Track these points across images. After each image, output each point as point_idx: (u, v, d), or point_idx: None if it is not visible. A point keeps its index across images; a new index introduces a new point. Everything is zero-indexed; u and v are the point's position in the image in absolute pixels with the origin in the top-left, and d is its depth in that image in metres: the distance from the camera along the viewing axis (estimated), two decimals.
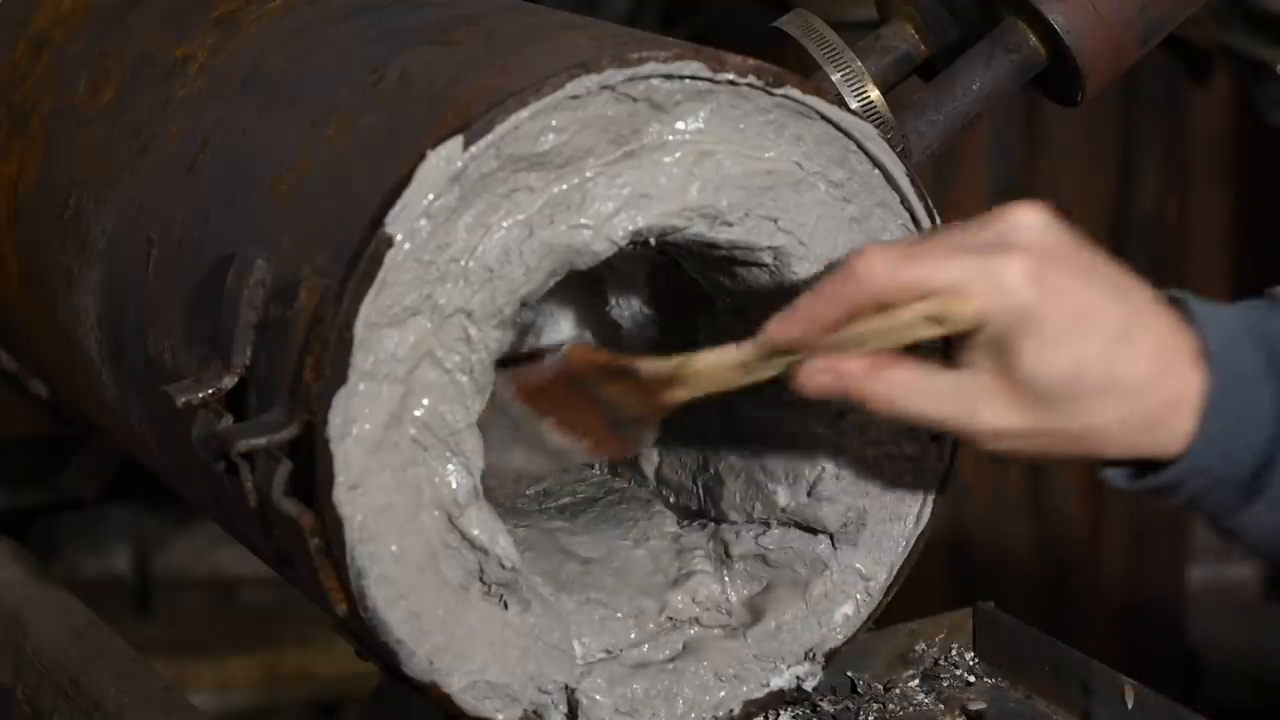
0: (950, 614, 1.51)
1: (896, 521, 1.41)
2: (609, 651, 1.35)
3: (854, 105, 1.40)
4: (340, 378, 1.20)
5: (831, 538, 1.40)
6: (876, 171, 1.33)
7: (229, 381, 1.25)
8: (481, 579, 1.28)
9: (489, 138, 1.20)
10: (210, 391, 1.24)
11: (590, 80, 1.22)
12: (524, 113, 1.21)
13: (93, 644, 1.60)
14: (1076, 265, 1.21)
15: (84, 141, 1.52)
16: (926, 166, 1.44)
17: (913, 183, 1.34)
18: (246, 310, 1.25)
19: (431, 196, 1.20)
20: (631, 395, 1.29)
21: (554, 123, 1.22)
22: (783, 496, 1.40)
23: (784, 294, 1.33)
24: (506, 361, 1.30)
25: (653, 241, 1.29)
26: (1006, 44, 1.44)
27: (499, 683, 1.29)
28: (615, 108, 1.24)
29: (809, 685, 1.40)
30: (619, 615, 1.36)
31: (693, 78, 1.25)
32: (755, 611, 1.40)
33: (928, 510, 1.41)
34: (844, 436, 1.39)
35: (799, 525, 1.41)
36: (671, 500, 1.48)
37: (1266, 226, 3.71)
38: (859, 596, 1.41)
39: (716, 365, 1.26)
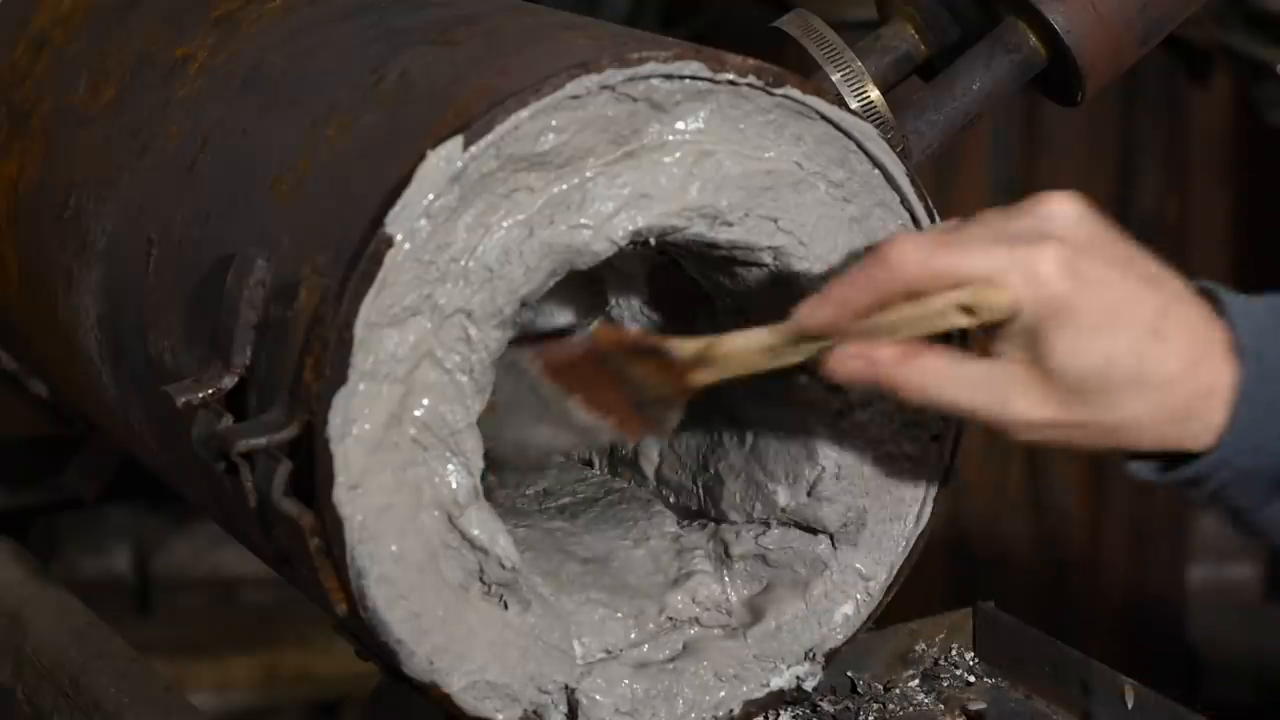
0: (950, 614, 1.51)
1: (896, 521, 1.41)
2: (609, 651, 1.35)
3: (854, 105, 1.40)
4: (340, 378, 1.20)
5: (831, 538, 1.40)
6: (876, 171, 1.33)
7: (229, 381, 1.25)
8: (481, 579, 1.28)
9: (489, 138, 1.20)
10: (210, 391, 1.24)
11: (590, 80, 1.22)
12: (524, 113, 1.21)
13: (93, 644, 1.60)
14: (1111, 257, 1.20)
15: (84, 141, 1.52)
16: (926, 166, 1.44)
17: (913, 183, 1.34)
18: (246, 310, 1.25)
19: (431, 196, 1.20)
20: (658, 375, 1.29)
21: (554, 123, 1.22)
22: (783, 496, 1.40)
23: (784, 294, 1.33)
24: (535, 338, 1.30)
25: (653, 241, 1.29)
26: (1006, 44, 1.44)
27: (499, 683, 1.29)
28: (615, 108, 1.24)
29: (809, 685, 1.40)
30: (619, 615, 1.36)
31: (693, 78, 1.25)
32: (755, 611, 1.40)
33: (928, 510, 1.41)
34: (844, 436, 1.39)
35: (799, 525, 1.41)
36: (671, 500, 1.48)
37: (1266, 226, 3.71)
38: (859, 596, 1.41)
39: (744, 348, 1.25)
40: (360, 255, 1.19)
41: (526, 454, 1.37)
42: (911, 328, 1.20)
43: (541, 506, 1.51)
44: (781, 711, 1.41)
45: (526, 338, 1.28)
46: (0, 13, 1.72)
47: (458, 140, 1.20)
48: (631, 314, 1.50)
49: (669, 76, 1.25)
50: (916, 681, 1.48)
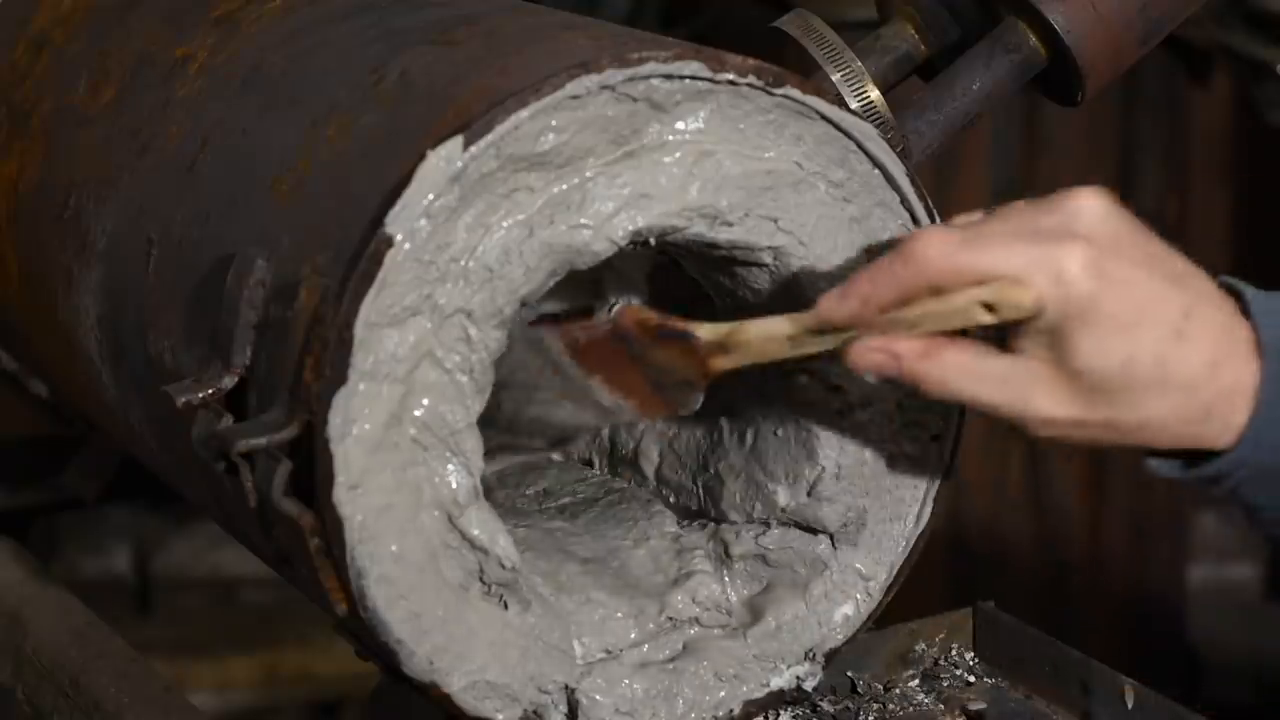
0: (950, 614, 1.51)
1: (896, 521, 1.41)
2: (609, 651, 1.35)
3: (854, 105, 1.40)
4: (340, 378, 1.20)
5: (831, 538, 1.40)
6: (876, 171, 1.33)
7: (229, 381, 1.25)
8: (481, 579, 1.28)
9: (489, 138, 1.20)
10: (210, 391, 1.24)
11: (590, 80, 1.22)
12: (524, 113, 1.21)
13: (93, 644, 1.59)
14: (1137, 255, 1.20)
15: (84, 141, 1.52)
16: (926, 166, 1.44)
17: (913, 183, 1.34)
18: (246, 310, 1.25)
19: (431, 196, 1.20)
20: (680, 359, 1.29)
21: (554, 123, 1.22)
22: (783, 496, 1.40)
23: (784, 294, 1.34)
24: (558, 318, 1.30)
25: (653, 241, 1.29)
26: (1006, 44, 1.44)
27: (499, 683, 1.29)
28: (615, 108, 1.24)
29: (809, 685, 1.40)
30: (619, 615, 1.36)
31: (693, 78, 1.25)
32: (755, 611, 1.40)
33: (928, 510, 1.41)
34: (844, 436, 1.39)
35: (799, 525, 1.41)
36: (671, 500, 1.48)
37: (1266, 226, 3.71)
38: (859, 596, 1.41)
39: (766, 335, 1.25)
40: (360, 255, 1.19)
41: (546, 432, 1.37)
42: (934, 323, 1.20)
43: (541, 506, 1.51)
44: (781, 711, 1.41)
45: (549, 317, 1.28)
46: (0, 13, 1.72)
47: (458, 140, 1.20)
48: None
49: (669, 76, 1.25)
50: (916, 681, 1.48)
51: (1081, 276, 1.18)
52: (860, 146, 1.32)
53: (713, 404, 1.42)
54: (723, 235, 1.30)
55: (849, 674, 1.46)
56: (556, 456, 1.59)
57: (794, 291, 1.33)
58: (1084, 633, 3.20)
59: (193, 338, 1.32)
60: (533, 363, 1.32)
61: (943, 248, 1.18)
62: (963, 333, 1.23)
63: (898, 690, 1.47)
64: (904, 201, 1.34)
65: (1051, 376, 1.20)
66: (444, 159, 1.19)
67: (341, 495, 1.21)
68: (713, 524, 1.44)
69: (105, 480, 2.25)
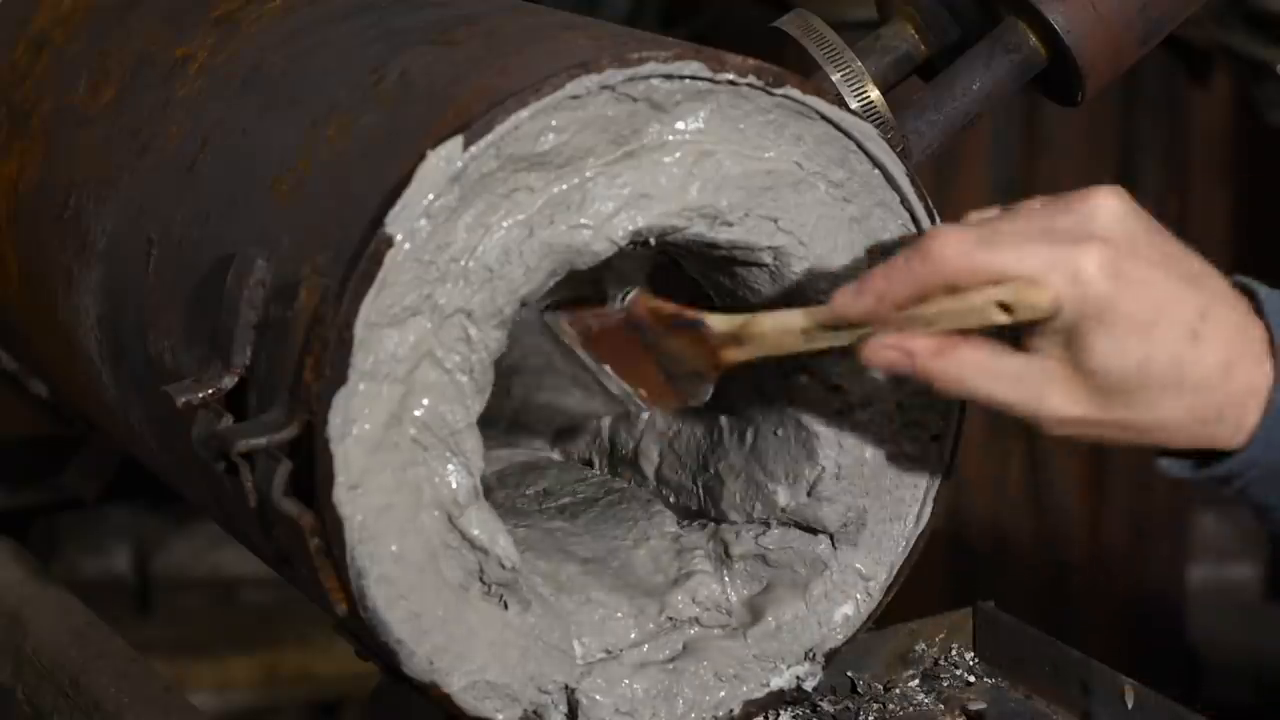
0: (950, 614, 1.51)
1: (896, 521, 1.41)
2: (609, 651, 1.35)
3: (854, 105, 1.40)
4: (340, 378, 1.20)
5: (831, 538, 1.40)
6: (876, 171, 1.33)
7: (229, 381, 1.25)
8: (481, 579, 1.28)
9: (489, 138, 1.20)
10: (210, 391, 1.24)
11: (590, 80, 1.22)
12: (524, 113, 1.21)
13: (93, 644, 1.59)
14: (1154, 255, 1.20)
15: (84, 141, 1.52)
16: (926, 166, 1.44)
17: (913, 183, 1.34)
18: (246, 310, 1.25)
19: (431, 196, 1.20)
20: (692, 349, 1.29)
21: (554, 123, 1.22)
22: (783, 496, 1.40)
23: (784, 294, 1.34)
24: (571, 304, 1.30)
25: (653, 241, 1.29)
26: (1006, 44, 1.44)
27: (499, 683, 1.29)
28: (615, 108, 1.24)
29: (809, 685, 1.40)
30: (619, 615, 1.36)
31: (693, 78, 1.25)
32: (755, 611, 1.40)
33: (928, 510, 1.41)
34: (844, 436, 1.39)
35: (799, 525, 1.41)
36: (671, 500, 1.48)
37: (1266, 226, 3.71)
38: (859, 596, 1.41)
39: (781, 328, 1.25)
40: (360, 255, 1.19)
41: (554, 419, 1.37)
42: (949, 321, 1.20)
43: (541, 506, 1.51)
44: (781, 711, 1.41)
45: (562, 303, 1.28)
46: (0, 13, 1.72)
47: (458, 140, 1.20)
48: None
49: (669, 76, 1.25)
50: (916, 681, 1.48)
51: (1098, 277, 1.18)
52: (860, 146, 1.32)
53: (713, 404, 1.42)
54: (723, 235, 1.30)
55: (849, 674, 1.46)
56: (556, 456, 1.59)
57: (794, 292, 1.33)
58: (1084, 633, 3.20)
59: (193, 338, 1.32)
60: (544, 349, 1.32)
61: (960, 246, 1.18)
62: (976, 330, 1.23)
63: (898, 690, 1.47)
64: (904, 201, 1.34)
65: (1066, 376, 1.20)
66: (444, 159, 1.19)
67: (341, 495, 1.21)
68: (713, 524, 1.44)
69: (105, 480, 2.26)
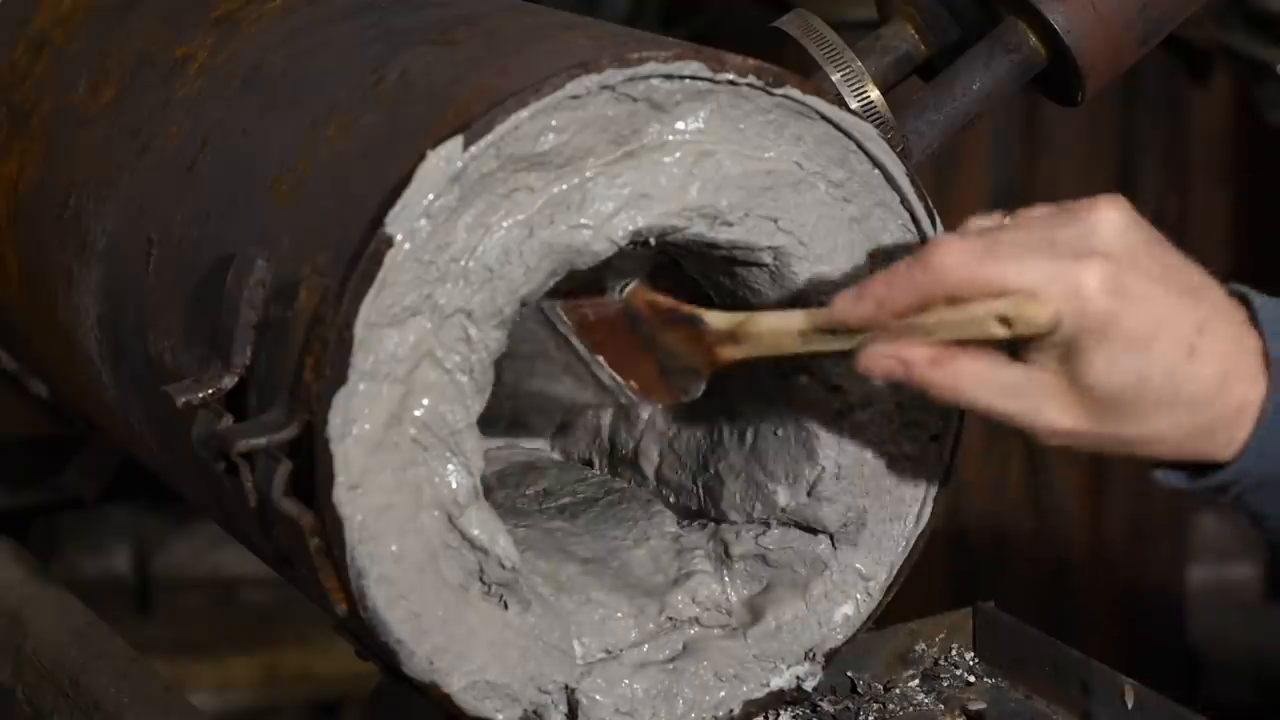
0: (950, 614, 1.51)
1: (896, 521, 1.41)
2: (609, 651, 1.35)
3: (854, 105, 1.40)
4: (340, 378, 1.20)
5: (831, 538, 1.40)
6: (876, 171, 1.33)
7: (229, 381, 1.25)
8: (481, 579, 1.28)
9: (489, 138, 1.20)
10: (210, 391, 1.24)
11: (590, 80, 1.22)
12: (524, 113, 1.21)
13: (93, 644, 1.59)
14: (1155, 269, 1.20)
15: (84, 141, 1.52)
16: (926, 166, 1.44)
17: (913, 183, 1.34)
18: (246, 310, 1.25)
19: (431, 196, 1.20)
20: (687, 345, 1.29)
21: (554, 123, 1.22)
22: (783, 496, 1.40)
23: (784, 294, 1.34)
24: (570, 292, 1.30)
25: (653, 241, 1.29)
26: (1006, 44, 1.44)
27: (499, 683, 1.29)
28: (615, 108, 1.24)
29: (809, 685, 1.40)
30: (619, 615, 1.36)
31: (693, 78, 1.25)
32: (755, 611, 1.40)
33: (928, 510, 1.41)
34: (844, 436, 1.39)
35: (799, 525, 1.41)
36: (671, 500, 1.48)
37: (1266, 226, 3.71)
38: (859, 596, 1.41)
39: (779, 329, 1.25)
40: (360, 255, 1.19)
41: (545, 407, 1.37)
42: (948, 331, 1.20)
43: (541, 506, 1.51)
44: (781, 711, 1.41)
45: (560, 290, 1.28)
46: (0, 13, 1.72)
47: (458, 140, 1.20)
48: None
49: (669, 76, 1.25)
50: (916, 681, 1.48)
51: (1098, 294, 1.18)
52: (860, 146, 1.32)
53: (713, 404, 1.42)
54: (723, 235, 1.30)
55: (849, 674, 1.46)
56: (556, 456, 1.59)
57: (794, 292, 1.33)
58: (1084, 632, 3.20)
59: (193, 338, 1.32)
60: (539, 335, 1.32)
61: (961, 258, 1.18)
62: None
63: (898, 690, 1.47)
64: (904, 201, 1.34)
65: (1063, 389, 1.21)
66: (444, 159, 1.19)
67: (341, 495, 1.21)
68: (713, 524, 1.44)
69: (105, 480, 2.26)
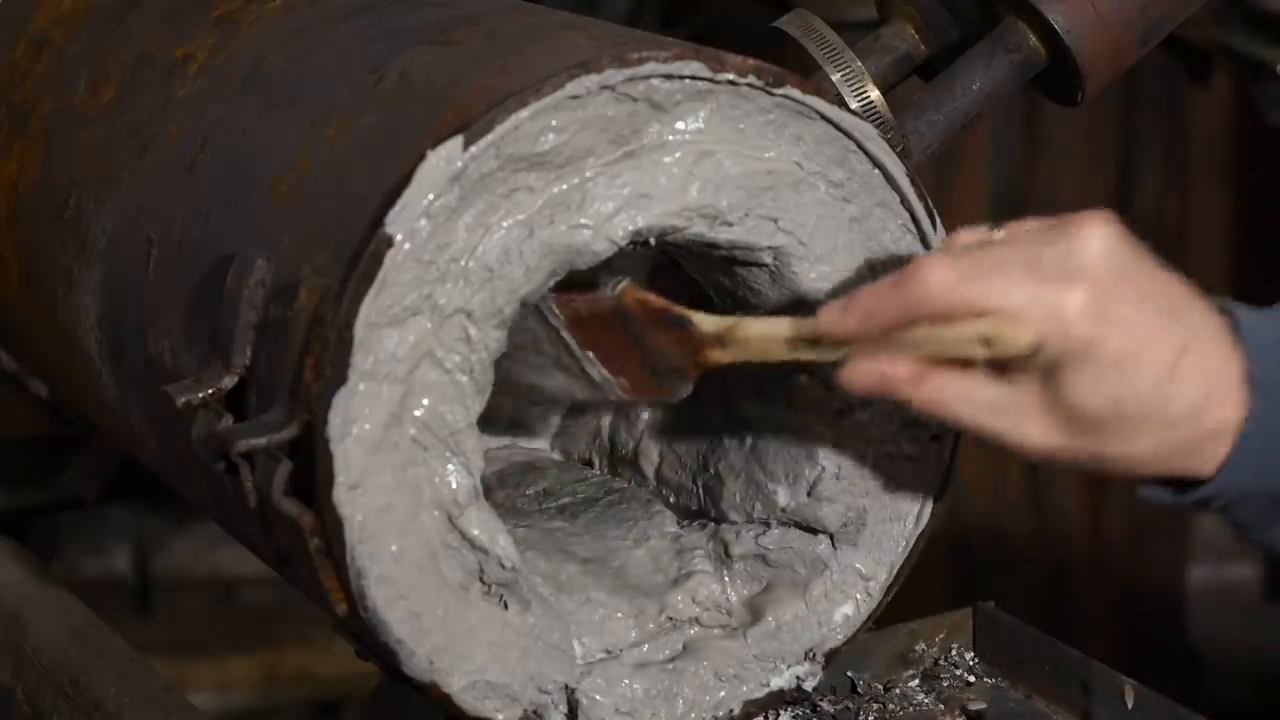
0: (950, 614, 1.51)
1: (896, 521, 1.41)
2: (609, 651, 1.35)
3: (854, 105, 1.40)
4: (340, 378, 1.20)
5: (831, 538, 1.40)
6: (876, 171, 1.33)
7: (229, 381, 1.25)
8: (481, 579, 1.28)
9: (489, 138, 1.20)
10: (210, 391, 1.24)
11: (590, 80, 1.22)
12: (524, 113, 1.21)
13: (93, 644, 1.60)
14: (1139, 290, 1.20)
15: (84, 141, 1.52)
16: (926, 166, 1.44)
17: (913, 183, 1.34)
18: (246, 310, 1.25)
19: (431, 196, 1.20)
20: (676, 346, 1.29)
21: (554, 123, 1.22)
22: (783, 496, 1.40)
23: (784, 294, 1.34)
24: (565, 286, 1.30)
25: (653, 241, 1.29)
26: (1006, 44, 1.44)
27: (499, 683, 1.29)
28: (615, 108, 1.24)
29: (809, 685, 1.40)
30: (619, 615, 1.36)
31: (693, 78, 1.25)
32: (755, 611, 1.40)
33: (928, 510, 1.41)
34: (844, 436, 1.39)
35: (799, 525, 1.41)
36: (671, 500, 1.48)
37: (1266, 226, 3.71)
38: (859, 596, 1.41)
39: (766, 335, 1.25)
40: (360, 255, 1.19)
41: (534, 399, 1.37)
42: (930, 348, 1.20)
43: (541, 506, 1.51)
44: (781, 711, 1.41)
45: (558, 285, 1.28)
46: (0, 13, 1.72)
47: (458, 140, 1.20)
48: None
49: (669, 76, 1.25)
50: (916, 681, 1.48)
51: (1080, 317, 1.18)
52: (860, 146, 1.32)
53: (713, 404, 1.42)
54: (723, 235, 1.30)
55: (849, 674, 1.46)
56: (556, 456, 1.59)
57: (794, 292, 1.33)
58: (1084, 632, 3.20)
59: (193, 338, 1.32)
60: (531, 327, 1.32)
61: (945, 276, 1.18)
62: None
63: (898, 690, 1.47)
64: (904, 201, 1.34)
65: (1044, 409, 1.21)
66: (444, 159, 1.19)
67: (341, 495, 1.21)
68: (713, 524, 1.44)
69: (105, 480, 2.25)
